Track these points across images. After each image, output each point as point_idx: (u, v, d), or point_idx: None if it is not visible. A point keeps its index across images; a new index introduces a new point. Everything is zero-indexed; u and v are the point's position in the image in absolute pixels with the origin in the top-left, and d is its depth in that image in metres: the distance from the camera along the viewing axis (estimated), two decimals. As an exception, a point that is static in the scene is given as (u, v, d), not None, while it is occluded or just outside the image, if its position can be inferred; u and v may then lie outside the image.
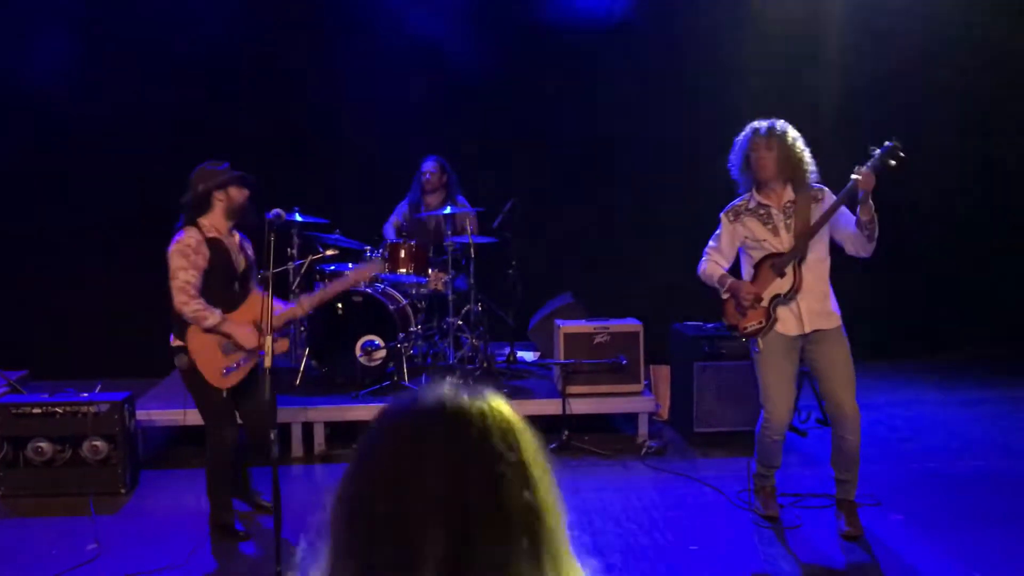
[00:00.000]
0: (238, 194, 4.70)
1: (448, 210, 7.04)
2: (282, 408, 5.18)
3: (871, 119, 7.93)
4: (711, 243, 4.98)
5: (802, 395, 6.63)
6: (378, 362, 6.58)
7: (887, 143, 4.53)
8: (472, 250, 6.90)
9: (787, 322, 4.72)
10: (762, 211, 4.75)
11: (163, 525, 5.00)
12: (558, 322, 6.75)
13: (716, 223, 4.98)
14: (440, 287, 7.02)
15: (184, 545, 4.72)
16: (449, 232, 7.10)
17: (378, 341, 6.53)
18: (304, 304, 4.89)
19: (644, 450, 6.16)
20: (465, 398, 1.15)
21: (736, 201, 4.89)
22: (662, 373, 6.87)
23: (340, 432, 6.33)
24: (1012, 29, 8.41)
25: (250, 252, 4.91)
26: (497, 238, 7.12)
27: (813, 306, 4.69)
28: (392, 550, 1.05)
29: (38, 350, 7.63)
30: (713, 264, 4.93)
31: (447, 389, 1.16)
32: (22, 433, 5.47)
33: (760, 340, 4.77)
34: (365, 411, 6.25)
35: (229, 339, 4.62)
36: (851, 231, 4.62)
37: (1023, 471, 5.76)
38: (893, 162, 4.50)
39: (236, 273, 4.74)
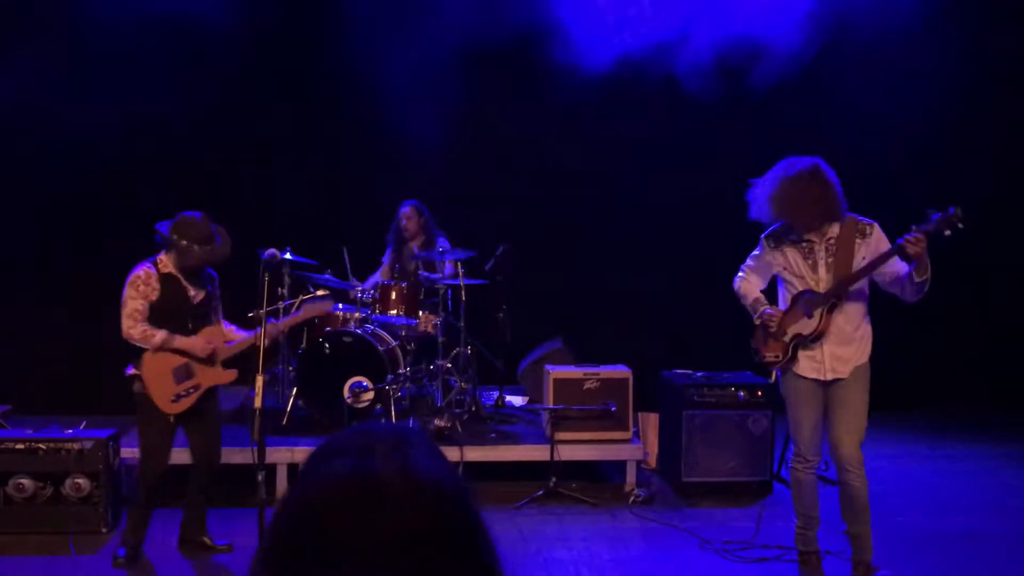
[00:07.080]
0: (198, 255, 4.77)
1: (441, 251, 7.08)
2: (268, 448, 5.13)
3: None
4: (748, 261, 4.82)
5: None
6: (366, 404, 6.53)
7: (949, 209, 4.26)
8: (462, 292, 6.89)
9: (807, 366, 4.58)
10: (804, 244, 4.57)
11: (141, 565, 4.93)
12: (548, 367, 6.74)
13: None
14: (430, 329, 7.01)
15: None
16: (438, 273, 7.10)
17: (366, 383, 6.50)
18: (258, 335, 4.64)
19: (632, 499, 6.12)
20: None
21: (777, 226, 4.66)
22: (650, 421, 6.85)
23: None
24: None
25: (212, 287, 5.02)
26: (487, 280, 7.13)
27: (837, 351, 4.53)
28: None
29: (22, 385, 7.55)
30: (748, 284, 4.80)
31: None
32: (4, 469, 5.39)
33: (774, 373, 4.71)
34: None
35: (183, 354, 4.81)
36: (898, 274, 4.43)
37: (1009, 528, 5.75)
38: (948, 232, 4.25)
39: (190, 309, 4.90)
